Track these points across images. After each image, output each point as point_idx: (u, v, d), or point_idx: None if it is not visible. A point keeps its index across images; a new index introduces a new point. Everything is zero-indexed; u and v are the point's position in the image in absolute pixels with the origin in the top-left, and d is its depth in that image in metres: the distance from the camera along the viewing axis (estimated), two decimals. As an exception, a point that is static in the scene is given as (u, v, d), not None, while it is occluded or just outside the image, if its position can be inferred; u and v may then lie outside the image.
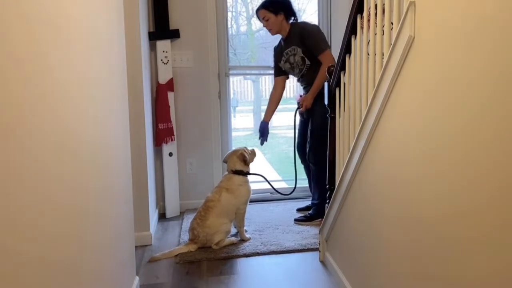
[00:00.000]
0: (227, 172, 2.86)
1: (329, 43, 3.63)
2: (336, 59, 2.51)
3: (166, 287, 2.23)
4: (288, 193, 3.34)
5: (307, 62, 3.00)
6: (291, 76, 3.27)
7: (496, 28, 0.93)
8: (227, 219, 2.70)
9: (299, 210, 3.41)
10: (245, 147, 2.94)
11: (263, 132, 3.21)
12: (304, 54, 2.98)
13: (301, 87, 3.24)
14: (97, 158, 1.41)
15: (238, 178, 2.77)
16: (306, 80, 3.08)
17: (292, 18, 3.08)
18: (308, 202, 3.40)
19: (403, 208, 1.42)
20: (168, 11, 3.32)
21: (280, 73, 3.23)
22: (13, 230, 0.81)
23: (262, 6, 3.02)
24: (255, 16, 3.18)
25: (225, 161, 2.91)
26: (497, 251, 0.95)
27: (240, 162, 2.80)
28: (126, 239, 1.87)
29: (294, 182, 3.34)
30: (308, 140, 3.11)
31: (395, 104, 1.48)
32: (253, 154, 2.95)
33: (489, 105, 0.96)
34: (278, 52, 3.19)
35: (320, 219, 3.04)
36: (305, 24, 3.07)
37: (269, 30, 3.08)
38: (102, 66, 1.54)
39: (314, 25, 3.09)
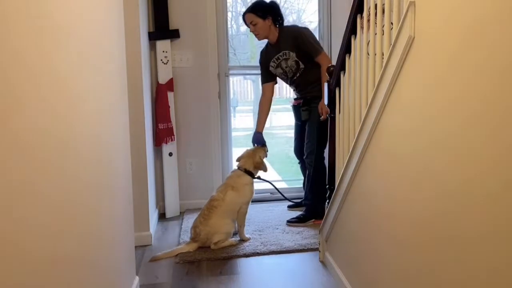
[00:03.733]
0: (236, 168, 2.88)
1: (329, 43, 3.65)
2: (336, 59, 2.51)
3: (166, 287, 2.23)
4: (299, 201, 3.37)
5: (301, 65, 2.95)
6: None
7: (496, 28, 0.94)
8: (230, 219, 2.71)
9: (290, 207, 3.42)
10: (266, 150, 3.00)
11: (259, 142, 3.09)
12: (298, 58, 2.92)
13: (293, 90, 3.20)
14: (97, 158, 1.41)
15: (246, 178, 2.81)
16: (300, 83, 3.03)
17: (279, 22, 2.98)
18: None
19: (403, 207, 1.42)
20: (168, 11, 3.32)
21: (269, 79, 3.15)
22: (12, 230, 0.81)
23: (250, 10, 2.90)
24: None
25: (238, 160, 2.92)
26: (499, 252, 0.95)
27: (253, 166, 2.85)
28: (126, 239, 1.87)
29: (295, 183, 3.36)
30: (306, 141, 3.07)
31: (395, 104, 1.48)
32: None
33: (488, 103, 0.96)
34: (266, 57, 3.08)
35: (313, 220, 3.04)
36: (297, 28, 3.00)
37: (256, 35, 2.96)
38: (102, 65, 1.54)
39: (306, 29, 3.01)
